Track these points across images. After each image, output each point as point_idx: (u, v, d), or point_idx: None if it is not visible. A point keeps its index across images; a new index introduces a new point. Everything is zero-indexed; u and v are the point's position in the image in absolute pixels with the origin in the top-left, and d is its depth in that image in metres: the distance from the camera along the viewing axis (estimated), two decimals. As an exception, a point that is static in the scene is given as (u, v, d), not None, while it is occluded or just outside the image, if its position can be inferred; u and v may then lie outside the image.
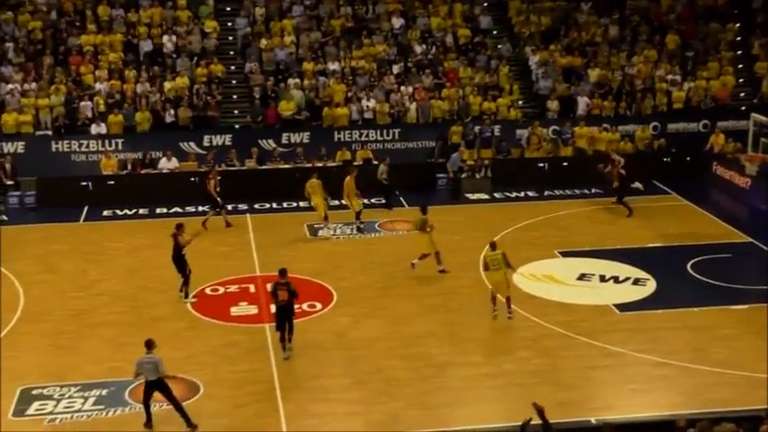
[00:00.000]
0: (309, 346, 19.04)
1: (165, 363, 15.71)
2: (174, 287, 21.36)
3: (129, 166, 30.71)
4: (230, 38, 36.43)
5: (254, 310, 21.01)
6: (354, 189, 26.23)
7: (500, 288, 20.17)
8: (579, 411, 16.30)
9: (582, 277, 22.91)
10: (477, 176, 32.37)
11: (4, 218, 27.87)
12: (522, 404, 14.53)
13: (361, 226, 26.43)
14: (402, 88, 34.04)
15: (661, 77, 35.38)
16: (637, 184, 29.98)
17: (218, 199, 26.42)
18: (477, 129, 32.86)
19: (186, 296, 21.35)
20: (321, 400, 16.89)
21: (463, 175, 31.25)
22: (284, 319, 18.53)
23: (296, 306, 18.94)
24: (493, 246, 20.59)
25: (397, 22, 36.88)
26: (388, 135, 33.00)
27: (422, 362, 18.29)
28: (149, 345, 15.80)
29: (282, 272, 18.68)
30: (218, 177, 26.83)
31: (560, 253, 24.61)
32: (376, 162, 30.04)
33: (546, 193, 30.34)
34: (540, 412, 12.97)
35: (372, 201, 28.46)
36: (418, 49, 35.82)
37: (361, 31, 36.28)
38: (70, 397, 16.92)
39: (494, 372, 17.91)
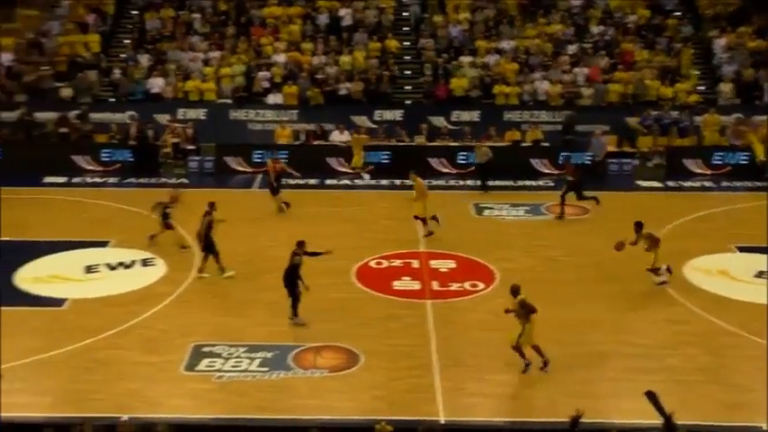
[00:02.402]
0: (469, 325, 19.03)
1: (325, 332, 15.91)
2: (338, 257, 21.74)
3: (303, 137, 31.50)
4: (405, 13, 36.62)
5: (416, 285, 21.15)
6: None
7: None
8: (750, 415, 15.52)
9: (760, 275, 21.77)
10: (650, 164, 31.40)
11: (185, 180, 29.20)
12: (684, 402, 14.02)
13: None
14: (576, 69, 33.34)
15: None
16: None
17: (275, 186, 25.91)
18: (654, 114, 31.83)
19: (223, 271, 21.28)
20: (478, 380, 16.84)
21: (634, 162, 30.45)
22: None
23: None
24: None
25: (576, 0, 36.11)
26: (559, 117, 32.42)
27: (581, 349, 17.95)
28: None
29: (300, 243, 19.07)
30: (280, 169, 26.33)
31: (737, 248, 23.58)
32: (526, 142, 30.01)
33: (724, 183, 29.12)
34: (653, 398, 12.00)
35: (516, 183, 28.70)
36: (595, 29, 34.96)
37: (538, 10, 35.72)
38: (238, 357, 17.53)
39: (656, 366, 17.34)
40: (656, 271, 20.63)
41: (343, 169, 30.04)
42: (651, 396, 12.02)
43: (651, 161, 31.41)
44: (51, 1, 35.81)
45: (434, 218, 24.31)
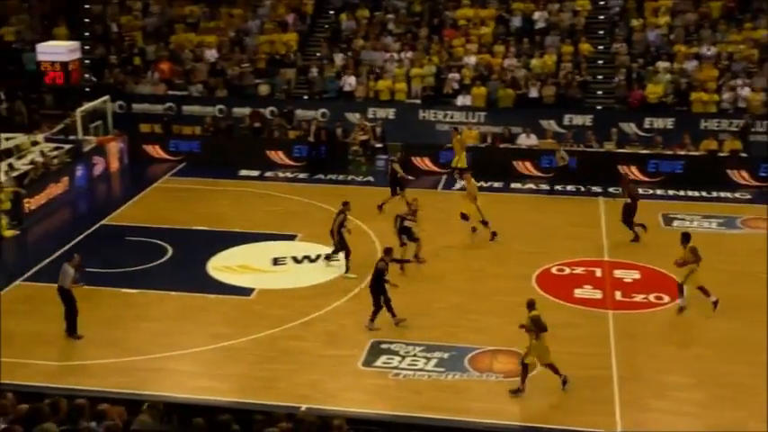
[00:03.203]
0: (652, 338, 18.46)
1: (503, 336, 15.85)
2: (520, 262, 21.57)
3: (489, 139, 31.43)
4: (601, 16, 35.85)
5: (597, 294, 20.71)
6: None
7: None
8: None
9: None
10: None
11: (371, 179, 29.73)
12: None
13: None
14: (781, 77, 31.64)
15: None
16: None
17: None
18: None
19: (347, 270, 21.61)
20: (659, 396, 16.33)
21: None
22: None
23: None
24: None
25: (789, 3, 34.29)
26: (761, 127, 30.79)
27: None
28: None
29: (387, 250, 19.37)
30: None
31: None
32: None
33: None
34: None
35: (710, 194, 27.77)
36: (806, 34, 33.07)
37: (744, 14, 34.15)
38: (414, 356, 17.72)
39: None
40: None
41: (528, 173, 29.72)
42: None
43: None
44: (254, 0, 37.28)
45: (484, 222, 23.69)
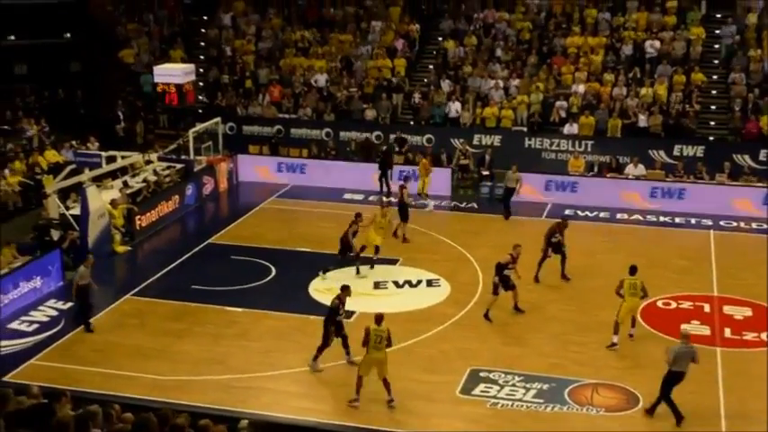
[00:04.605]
0: (762, 378, 17.78)
1: (605, 369, 15.56)
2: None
3: (596, 169, 30.98)
4: (715, 46, 35.08)
5: (705, 330, 20.10)
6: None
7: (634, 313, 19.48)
8: None
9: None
10: None
11: (474, 205, 29.63)
12: None
13: None
14: None
15: None
16: None
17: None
18: None
19: (324, 272, 22.76)
20: (768, 438, 15.74)
21: None
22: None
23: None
24: (633, 271, 19.24)
25: None
26: None
27: None
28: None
29: (343, 288, 18.52)
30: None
31: None
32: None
33: None
34: None
35: None
36: None
37: None
38: (513, 385, 17.50)
39: None
40: None
41: (637, 206, 29.12)
42: None
43: None
44: (363, 27, 37.75)
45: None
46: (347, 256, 22.98)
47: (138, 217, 26.23)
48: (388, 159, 30.58)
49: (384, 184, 30.27)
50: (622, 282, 19.18)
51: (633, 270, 19.36)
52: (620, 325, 19.10)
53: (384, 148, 31.49)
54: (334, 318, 18.08)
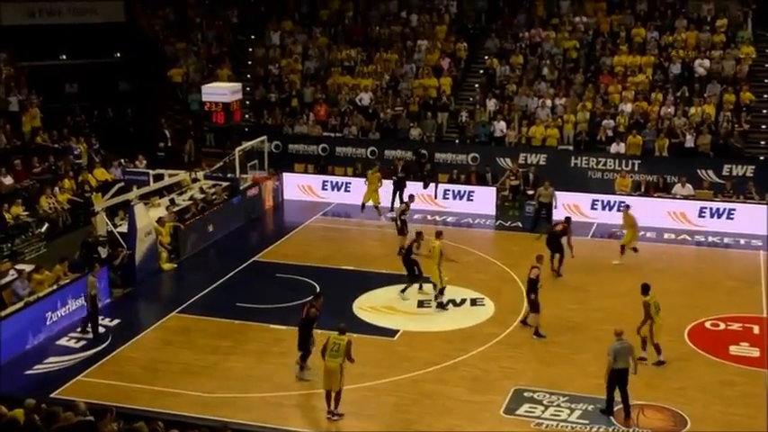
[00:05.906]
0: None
1: (651, 390, 15.39)
2: (673, 315, 20.85)
3: (643, 188, 30.70)
4: (766, 65, 34.62)
5: (755, 352, 19.78)
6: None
7: None
8: None
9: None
10: None
11: (519, 224, 29.49)
12: None
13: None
14: None
15: None
16: None
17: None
18: None
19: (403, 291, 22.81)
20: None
21: None
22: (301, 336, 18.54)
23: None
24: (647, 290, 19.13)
25: None
26: None
27: None
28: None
29: (316, 296, 19.06)
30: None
31: None
32: None
33: None
34: None
35: None
36: None
37: None
38: (558, 405, 17.36)
39: None
40: None
41: (685, 226, 28.78)
42: None
43: None
44: (409, 46, 37.85)
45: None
46: (414, 272, 22.91)
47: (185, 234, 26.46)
48: (403, 181, 30.66)
49: (393, 201, 30.41)
50: (647, 305, 18.86)
51: (647, 289, 19.09)
52: (658, 344, 18.96)
53: (400, 168, 31.42)
54: (311, 328, 18.59)
